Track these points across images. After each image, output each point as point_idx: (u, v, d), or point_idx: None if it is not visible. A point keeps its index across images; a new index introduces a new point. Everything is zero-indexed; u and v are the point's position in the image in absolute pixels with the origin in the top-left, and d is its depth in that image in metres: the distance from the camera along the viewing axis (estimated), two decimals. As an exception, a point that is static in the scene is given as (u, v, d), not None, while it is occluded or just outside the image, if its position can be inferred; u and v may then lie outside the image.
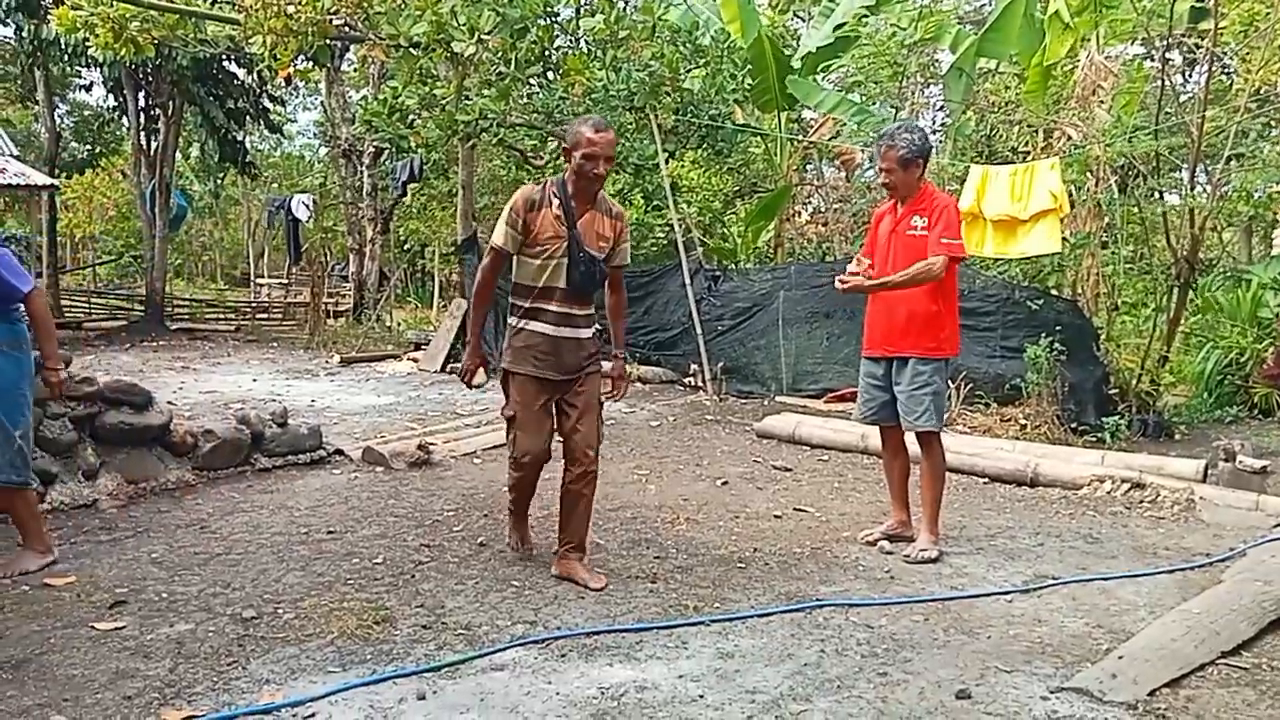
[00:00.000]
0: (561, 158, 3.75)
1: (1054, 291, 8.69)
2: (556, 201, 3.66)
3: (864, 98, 14.07)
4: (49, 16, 11.77)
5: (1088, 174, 8.62)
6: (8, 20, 14.48)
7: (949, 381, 7.97)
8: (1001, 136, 11.98)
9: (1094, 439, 7.39)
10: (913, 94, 14.96)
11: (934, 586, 3.89)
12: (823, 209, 16.00)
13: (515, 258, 3.73)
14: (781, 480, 5.92)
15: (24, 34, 14.41)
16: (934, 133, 15.41)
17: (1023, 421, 7.65)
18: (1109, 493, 5.58)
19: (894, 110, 12.58)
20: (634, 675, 2.90)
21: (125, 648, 3.02)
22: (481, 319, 3.91)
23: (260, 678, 2.82)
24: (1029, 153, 10.33)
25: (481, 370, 3.88)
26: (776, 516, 4.99)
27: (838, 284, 4.39)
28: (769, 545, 4.42)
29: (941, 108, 15.13)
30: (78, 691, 2.69)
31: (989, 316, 8.47)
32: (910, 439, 4.52)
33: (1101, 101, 8.69)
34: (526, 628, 3.29)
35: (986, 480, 6.03)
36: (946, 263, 4.16)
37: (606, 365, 3.93)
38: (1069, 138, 8.96)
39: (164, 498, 4.95)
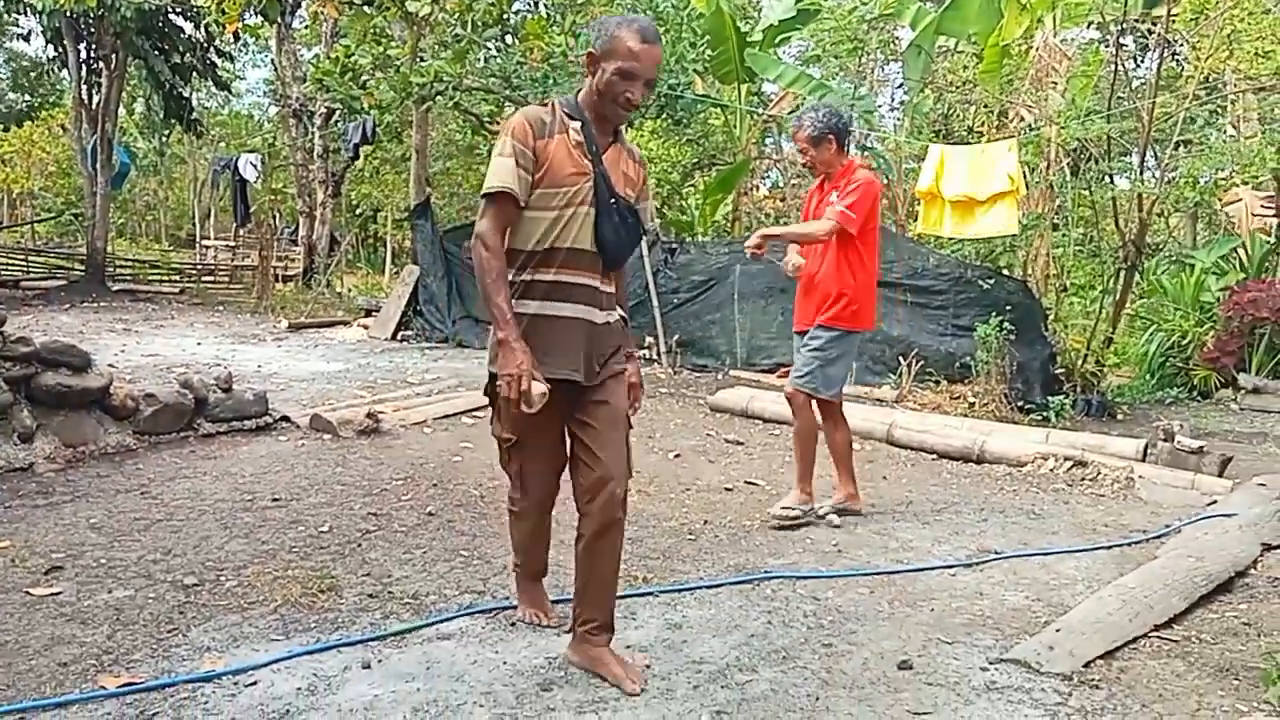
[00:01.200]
0: (589, 70, 2.57)
1: (1005, 271, 8.82)
2: (575, 126, 2.58)
3: (824, 73, 14.07)
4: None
5: (1040, 156, 8.73)
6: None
7: (906, 360, 8.12)
8: (958, 116, 12.10)
9: (1040, 418, 7.54)
10: (872, 70, 15.00)
11: (880, 560, 3.95)
12: (781, 184, 16.04)
13: None
14: (733, 454, 5.95)
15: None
16: (892, 110, 15.51)
17: (971, 399, 7.78)
18: (1052, 470, 5.70)
19: (853, 86, 12.59)
20: (582, 645, 2.89)
21: (62, 614, 2.94)
22: (508, 301, 2.50)
23: (201, 645, 2.77)
24: (984, 133, 10.44)
25: (537, 382, 2.44)
26: (727, 489, 5.02)
27: (748, 253, 4.48)
28: (719, 518, 4.44)
29: (900, 85, 15.19)
30: (10, 658, 2.62)
31: (941, 295, 8.57)
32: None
33: (1055, 84, 8.78)
34: (474, 597, 3.27)
35: (935, 456, 6.13)
36: (833, 227, 4.27)
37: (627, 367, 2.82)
38: (1023, 119, 9.06)
39: (103, 462, 4.82)
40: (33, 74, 23.08)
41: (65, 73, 16.82)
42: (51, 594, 3.09)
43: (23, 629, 2.80)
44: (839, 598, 3.44)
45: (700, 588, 3.46)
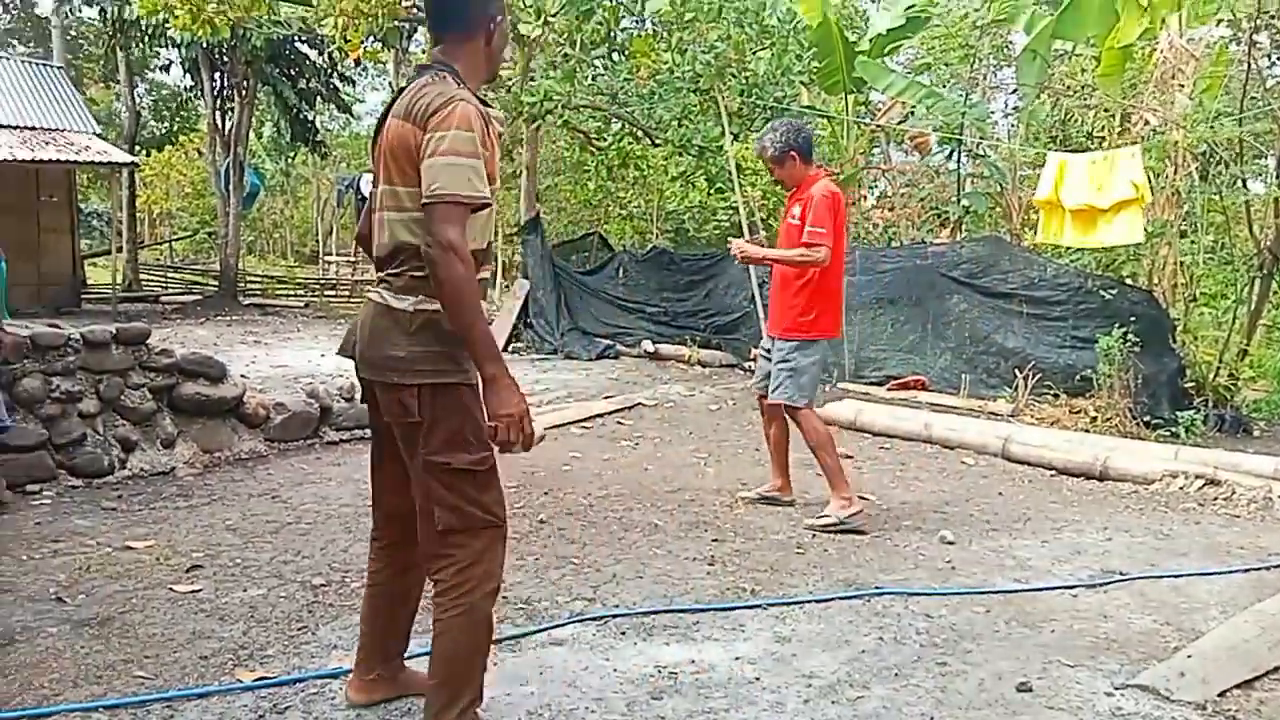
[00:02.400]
0: (474, 35, 2.25)
1: (1128, 281, 8.46)
2: (494, 114, 2.28)
3: (934, 80, 13.80)
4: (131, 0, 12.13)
5: (1166, 161, 8.35)
6: (93, 2, 14.96)
7: (1023, 373, 7.87)
8: (1076, 121, 11.68)
9: (1167, 434, 7.19)
10: (984, 77, 14.63)
11: (996, 578, 3.84)
12: (889, 193, 15.76)
13: None
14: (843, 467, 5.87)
15: (108, 15, 14.88)
16: (1006, 116, 15.07)
17: (1093, 414, 7.47)
18: (1182, 489, 5.43)
19: (964, 94, 12.30)
20: (690, 655, 2.92)
21: (202, 610, 3.14)
22: (484, 316, 2.22)
23: (329, 643, 2.91)
24: (1104, 138, 10.05)
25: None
26: (836, 503, 4.95)
27: (733, 251, 4.80)
28: (828, 532, 4.39)
29: (1014, 91, 14.76)
30: (158, 650, 2.80)
31: (1059, 306, 8.28)
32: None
33: (1182, 85, 8.39)
34: (585, 604, 3.33)
35: (1054, 472, 5.92)
36: (825, 256, 4.40)
37: None
38: (1147, 123, 8.69)
39: (237, 467, 5.11)
40: (172, 103, 24.60)
41: (201, 101, 17.91)
42: (192, 591, 3.29)
43: (168, 623, 3.00)
44: (953, 616, 3.37)
45: (810, 601, 3.44)
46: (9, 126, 13.84)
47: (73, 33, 22.42)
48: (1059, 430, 6.89)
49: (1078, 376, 7.85)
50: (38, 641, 2.84)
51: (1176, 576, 3.91)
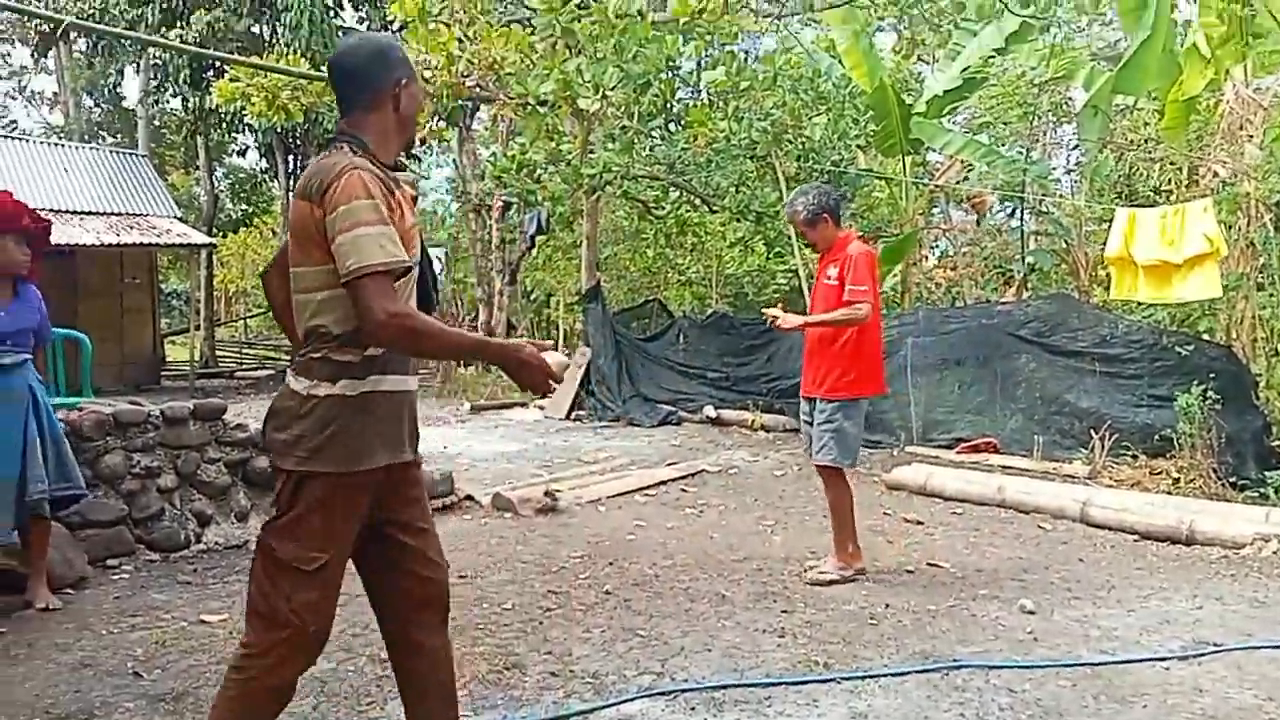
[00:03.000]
0: (380, 103, 2.19)
1: (1205, 337, 8.20)
2: (404, 178, 2.26)
3: (993, 139, 13.75)
4: (210, 89, 12.77)
5: (1239, 213, 8.15)
6: (177, 93, 15.79)
7: (1099, 434, 7.63)
8: (1142, 175, 11.49)
9: (1256, 494, 6.88)
10: (1045, 133, 14.53)
11: (1082, 650, 3.68)
12: (951, 253, 15.63)
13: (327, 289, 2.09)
14: (913, 534, 5.74)
15: (189, 105, 15.67)
16: (1068, 173, 14.91)
17: (1175, 475, 7.19)
18: (1275, 553, 5.17)
19: (1024, 151, 12.22)
20: (764, 732, 2.84)
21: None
22: (457, 335, 2.32)
23: (397, 718, 2.90)
24: (1172, 191, 9.87)
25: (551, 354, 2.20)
26: (909, 571, 4.83)
27: (774, 322, 4.80)
28: (901, 601, 4.27)
29: (1076, 146, 14.63)
30: (230, 726, 2.81)
31: (1134, 364, 8.04)
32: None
33: (1251, 136, 8.23)
34: (653, 678, 3.27)
35: (1136, 537, 5.69)
36: (867, 313, 4.46)
37: None
38: (1216, 175, 8.52)
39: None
40: (247, 186, 25.68)
41: (275, 183, 18.64)
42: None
43: (241, 697, 3.02)
44: (1037, 690, 3.23)
45: (885, 675, 3.33)
46: (98, 213, 14.57)
47: (156, 122, 23.64)
48: (1139, 492, 6.64)
49: (1156, 436, 7.58)
50: (115, 717, 2.88)
51: (1276, 648, 3.70)
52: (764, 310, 4.92)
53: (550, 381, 2.16)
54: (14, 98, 31.52)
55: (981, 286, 13.11)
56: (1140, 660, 3.55)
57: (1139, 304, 8.40)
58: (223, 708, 2.14)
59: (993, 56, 11.53)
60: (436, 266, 19.97)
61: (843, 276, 4.53)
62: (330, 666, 3.31)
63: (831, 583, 4.48)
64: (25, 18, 17.50)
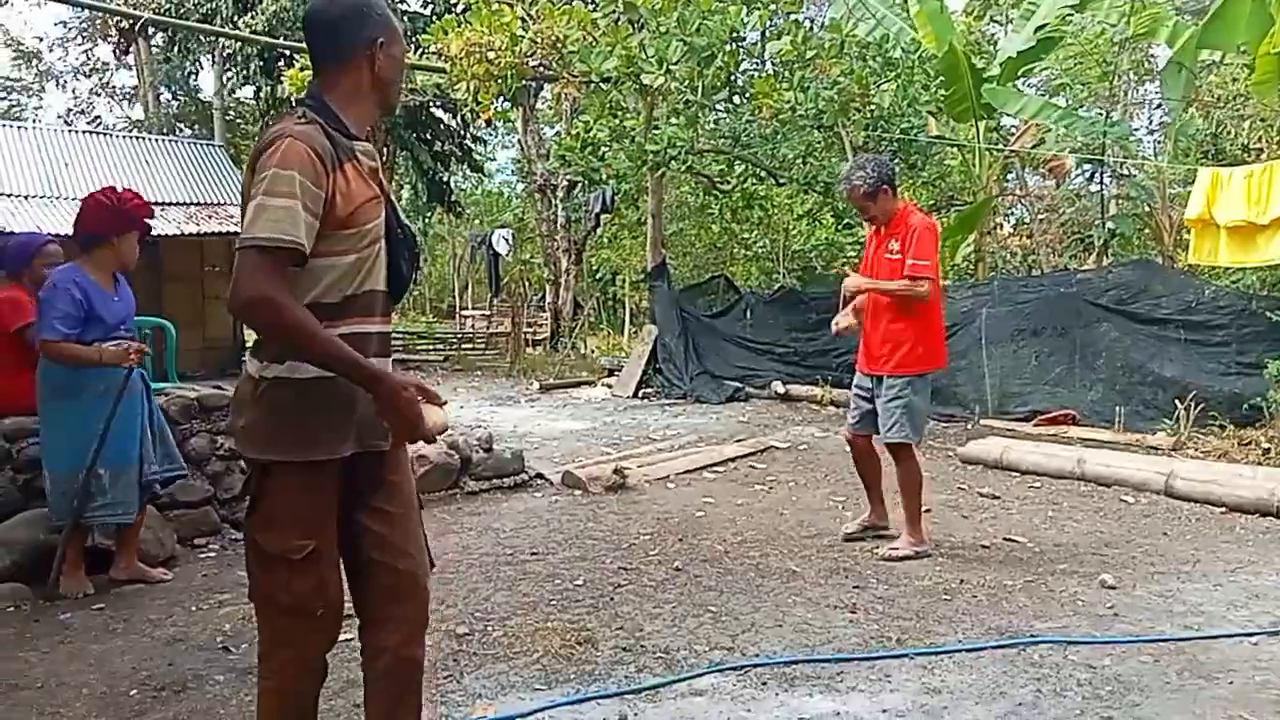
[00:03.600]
0: (353, 63, 2.03)
1: (1299, 300, 7.85)
2: (363, 148, 2.07)
3: (1070, 100, 13.29)
4: (282, 77, 13.05)
5: (1336, 169, 7.76)
6: (249, 81, 16.18)
7: (1184, 404, 7.38)
8: (1230, 134, 11.02)
9: (1354, 464, 6.59)
10: (1125, 93, 14.01)
11: (1164, 625, 3.58)
12: (1027, 220, 15.20)
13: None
14: (989, 508, 5.63)
15: (262, 94, 16.04)
16: (1151, 133, 14.37)
17: (1265, 445, 6.93)
18: (1375, 526, 4.95)
19: (1104, 112, 11.78)
20: (835, 707, 2.83)
21: (355, 658, 3.22)
22: (334, 341, 1.91)
23: (474, 691, 2.97)
24: (1262, 150, 9.43)
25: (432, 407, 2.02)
26: (984, 546, 4.75)
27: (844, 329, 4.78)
28: (976, 576, 4.20)
29: (1159, 106, 14.05)
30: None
31: (1221, 330, 7.76)
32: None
33: (1350, 88, 7.81)
34: (724, 654, 3.28)
35: (1224, 510, 5.50)
36: (930, 288, 4.42)
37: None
38: (1312, 130, 8.11)
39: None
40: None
41: (346, 168, 19.00)
42: (346, 639, 3.41)
43: (324, 670, 3.12)
44: (1118, 666, 3.15)
45: (959, 650, 3.28)
46: (178, 203, 15.04)
47: (231, 113, 24.25)
48: (1227, 464, 6.40)
49: (1245, 405, 7.32)
50: (206, 689, 3.00)
51: (1374, 624, 3.55)
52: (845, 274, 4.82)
53: (415, 432, 1.96)
54: (98, 94, 32.64)
55: (1060, 254, 12.74)
56: (1227, 636, 3.44)
57: (1226, 269, 8.07)
58: (264, 700, 2.11)
59: (1069, 14, 11.13)
60: (503, 247, 20.05)
61: (905, 249, 4.44)
62: (408, 641, 3.40)
63: (904, 559, 4.43)
64: (107, 15, 18.08)
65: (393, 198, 2.13)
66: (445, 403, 2.05)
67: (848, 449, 4.99)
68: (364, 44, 2.03)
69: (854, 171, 4.60)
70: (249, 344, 1.98)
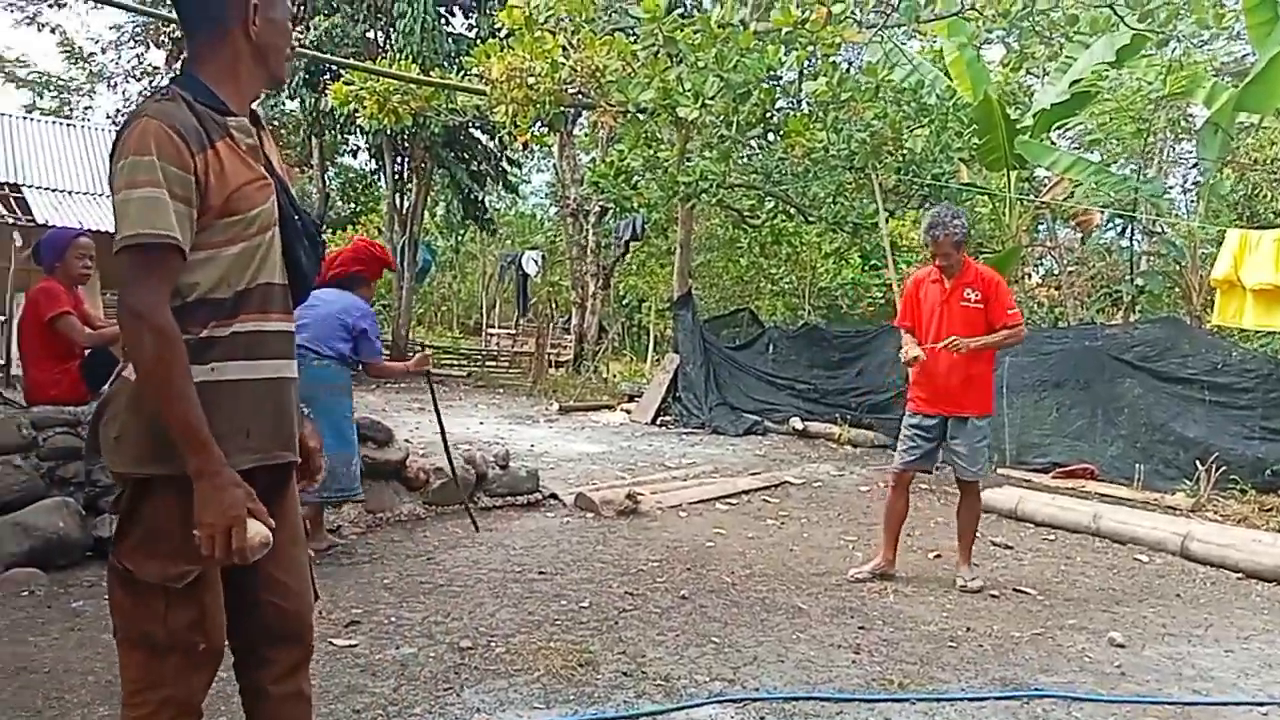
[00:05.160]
0: (226, 32, 1.80)
1: (1327, 368, 7.77)
2: (238, 123, 1.81)
3: (1104, 155, 13.28)
4: (326, 91, 13.29)
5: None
6: (295, 95, 16.48)
7: (1205, 465, 7.31)
8: (1265, 196, 10.97)
9: (1376, 538, 6.48)
10: (1160, 151, 13.98)
11: (1173, 688, 3.54)
12: (1056, 271, 15.15)
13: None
14: (1000, 558, 5.59)
15: (306, 107, 16.33)
16: (1185, 192, 14.32)
17: (1286, 512, 6.84)
18: (1394, 601, 4.87)
19: (1136, 170, 11.76)
20: (832, 746, 2.83)
21: (357, 664, 3.28)
22: (200, 413, 1.67)
23: (472, 705, 2.98)
24: (1298, 214, 9.38)
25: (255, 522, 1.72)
26: (993, 596, 4.71)
27: (908, 364, 4.83)
28: (983, 625, 4.18)
29: (1194, 165, 14.01)
30: (316, 701, 2.91)
31: (1246, 394, 7.68)
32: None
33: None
34: (724, 685, 3.28)
35: (1240, 576, 5.42)
36: (1022, 331, 4.87)
37: None
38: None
39: (396, 528, 5.35)
40: (358, 185, 26.58)
41: (382, 183, 19.26)
42: (349, 645, 3.45)
43: (325, 675, 3.14)
44: (1121, 726, 3.12)
45: (962, 699, 3.27)
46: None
47: (275, 123, 24.71)
48: (1246, 529, 6.32)
49: (1269, 471, 7.23)
50: (213, 688, 3.03)
51: (1387, 700, 3.49)
52: (946, 344, 4.67)
53: (228, 543, 1.67)
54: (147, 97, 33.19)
55: (1087, 307, 12.68)
56: (1236, 704, 3.39)
57: (1255, 332, 8.02)
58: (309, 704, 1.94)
59: (1105, 70, 11.16)
60: (532, 268, 20.13)
61: (988, 298, 4.73)
62: (411, 651, 3.43)
63: (980, 589, 4.72)
64: (160, 22, 18.51)
65: (285, 180, 1.89)
66: (273, 526, 1.74)
67: (888, 485, 5.12)
68: (237, 8, 1.79)
69: (951, 220, 4.76)
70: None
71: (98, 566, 4.11)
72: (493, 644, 3.55)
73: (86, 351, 4.70)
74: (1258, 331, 8.07)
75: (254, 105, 1.92)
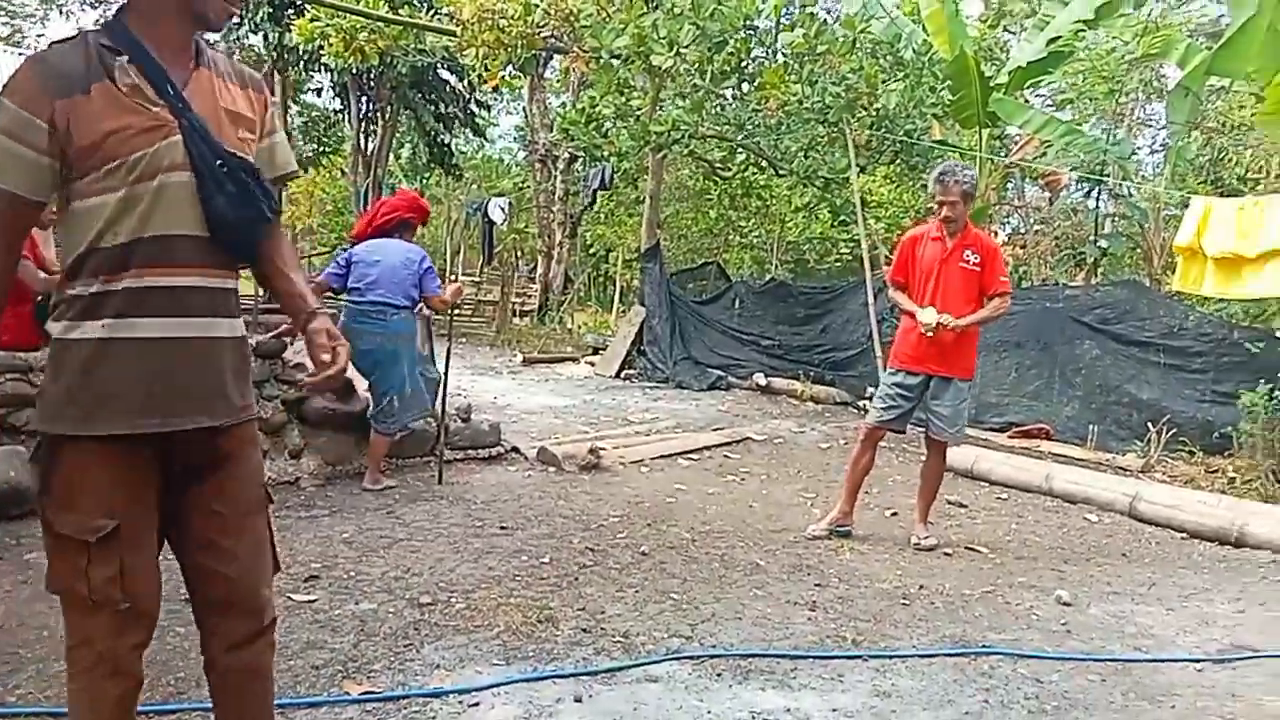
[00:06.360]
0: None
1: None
2: (121, 63, 1.71)
3: (1076, 115, 13.31)
4: (291, 27, 12.93)
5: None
6: (258, 29, 16.01)
7: (1156, 427, 7.47)
8: (1231, 161, 11.08)
9: (1317, 500, 6.69)
10: (1131, 112, 14.04)
11: (1115, 645, 3.65)
12: (1022, 230, 15.26)
13: (61, 205, 1.79)
14: (955, 516, 5.71)
15: (269, 41, 15.88)
16: (1152, 153, 14.43)
17: (1231, 474, 7.02)
18: (1330, 563, 5.04)
19: (1108, 130, 11.81)
20: (786, 703, 2.88)
21: (316, 620, 3.29)
22: None
23: (432, 661, 3.01)
24: (1259, 181, 9.50)
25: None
26: (946, 554, 4.82)
27: (927, 331, 4.72)
28: (936, 583, 4.27)
29: (1164, 127, 14.11)
30: (275, 657, 2.94)
31: (1200, 358, 7.84)
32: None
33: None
34: (682, 642, 3.33)
35: (1184, 536, 5.59)
36: (1009, 300, 4.94)
37: (314, 324, 1.94)
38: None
39: (356, 480, 5.33)
40: (321, 125, 25.97)
41: (347, 123, 18.85)
42: (308, 600, 3.46)
43: (285, 631, 3.12)
44: (1065, 683, 3.22)
45: (913, 656, 3.35)
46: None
47: (237, 58, 23.97)
48: (1192, 490, 6.50)
49: (1216, 434, 7.41)
50: (166, 640, 3.02)
51: (1317, 659, 3.62)
52: (931, 321, 4.68)
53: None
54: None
55: (1051, 267, 12.80)
56: (1175, 660, 3.51)
57: (1207, 298, 8.14)
58: (71, 702, 1.85)
59: (1083, 30, 11.11)
60: (498, 215, 19.85)
61: (984, 262, 4.74)
62: (371, 607, 3.44)
63: (934, 548, 4.80)
64: (114, -52, 17.88)
65: (203, 124, 1.76)
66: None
67: (858, 438, 5.11)
68: None
69: (962, 170, 4.77)
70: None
71: (52, 516, 4.06)
72: (453, 600, 3.57)
73: (39, 297, 4.60)
74: (1211, 298, 8.20)
75: (204, 38, 1.86)
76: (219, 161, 1.76)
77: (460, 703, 2.74)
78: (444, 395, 5.60)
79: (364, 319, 5.13)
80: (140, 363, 1.73)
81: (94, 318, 1.70)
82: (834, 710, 2.85)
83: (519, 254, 23.55)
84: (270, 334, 5.18)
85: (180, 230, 1.74)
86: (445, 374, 5.62)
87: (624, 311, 16.75)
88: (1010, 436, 8.29)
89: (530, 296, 20.13)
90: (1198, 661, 3.51)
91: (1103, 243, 10.69)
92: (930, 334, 4.68)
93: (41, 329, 4.55)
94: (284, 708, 2.61)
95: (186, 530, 1.87)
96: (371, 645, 3.10)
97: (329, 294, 5.51)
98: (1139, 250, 11.46)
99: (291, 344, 5.39)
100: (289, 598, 3.44)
